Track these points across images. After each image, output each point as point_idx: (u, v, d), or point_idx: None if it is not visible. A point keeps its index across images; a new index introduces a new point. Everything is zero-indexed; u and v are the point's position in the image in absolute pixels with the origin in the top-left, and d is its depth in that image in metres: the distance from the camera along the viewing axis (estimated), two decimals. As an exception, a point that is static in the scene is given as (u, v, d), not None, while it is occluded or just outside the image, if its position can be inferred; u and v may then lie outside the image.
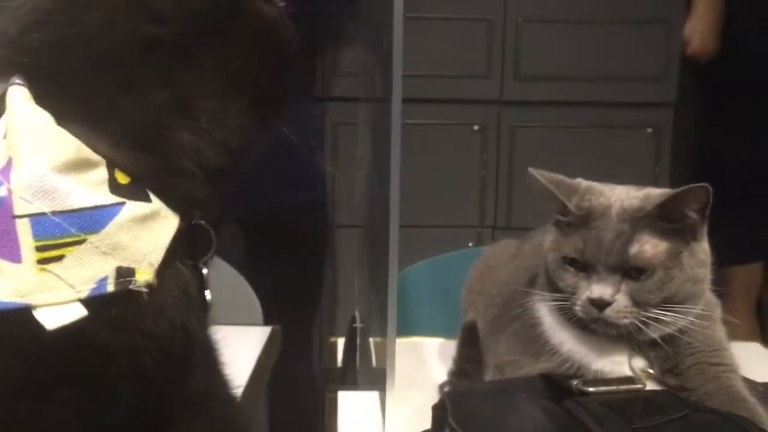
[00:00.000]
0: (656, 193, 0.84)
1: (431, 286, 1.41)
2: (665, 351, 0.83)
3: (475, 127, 2.21)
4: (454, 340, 1.19)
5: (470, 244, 2.23)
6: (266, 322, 1.34)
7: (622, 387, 0.78)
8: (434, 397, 1.07)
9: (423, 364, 1.16)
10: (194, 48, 0.58)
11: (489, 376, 0.97)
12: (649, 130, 2.22)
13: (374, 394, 1.11)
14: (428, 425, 0.82)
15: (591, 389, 0.77)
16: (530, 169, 0.89)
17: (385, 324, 0.83)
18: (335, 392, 1.11)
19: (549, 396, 0.78)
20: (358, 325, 1.15)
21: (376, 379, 1.13)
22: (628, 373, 0.83)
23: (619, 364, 0.84)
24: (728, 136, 2.15)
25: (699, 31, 2.13)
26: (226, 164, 0.60)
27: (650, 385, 0.81)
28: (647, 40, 2.19)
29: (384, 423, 0.75)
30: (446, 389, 1.06)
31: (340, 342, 1.27)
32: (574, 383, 0.78)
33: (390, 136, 0.68)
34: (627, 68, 2.19)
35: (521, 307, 0.92)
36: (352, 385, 1.13)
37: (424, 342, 1.22)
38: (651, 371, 0.84)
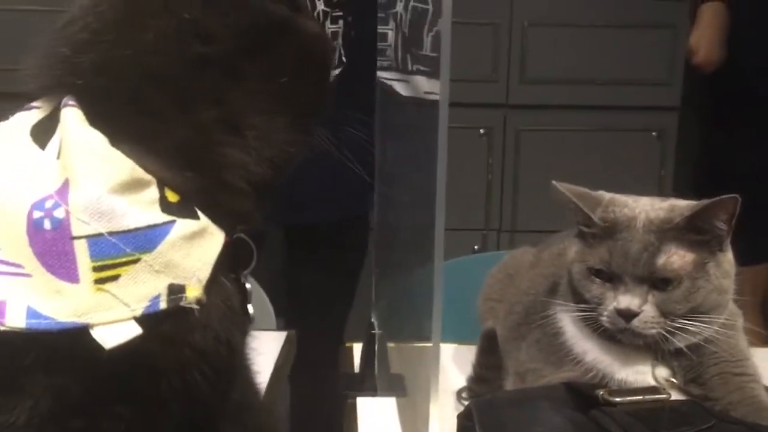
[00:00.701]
0: (683, 204, 0.85)
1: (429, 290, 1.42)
2: (689, 361, 0.84)
3: (481, 131, 2.22)
4: (467, 346, 1.20)
5: (476, 247, 2.24)
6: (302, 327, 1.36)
7: (648, 397, 0.79)
8: (451, 403, 1.08)
9: (426, 369, 1.16)
10: (241, 65, 0.59)
11: (510, 383, 0.98)
12: (654, 133, 2.24)
13: (392, 400, 1.12)
14: (447, 428, 0.82)
15: (617, 399, 0.78)
16: (553, 182, 0.90)
17: (418, 329, 0.83)
18: (354, 398, 1.12)
19: (574, 406, 0.79)
20: (376, 332, 1.16)
21: (394, 385, 1.14)
22: (652, 382, 0.84)
23: (642, 373, 0.85)
24: (732, 139, 2.16)
25: (704, 41, 2.14)
26: (271, 178, 0.61)
27: (674, 395, 0.82)
28: (652, 44, 2.20)
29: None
30: (464, 395, 1.07)
31: (356, 347, 1.28)
32: (600, 393, 0.79)
33: (437, 139, 0.68)
34: (632, 72, 2.20)
35: (543, 316, 0.92)
36: (371, 390, 1.13)
37: (429, 348, 1.22)
38: (674, 381, 0.85)
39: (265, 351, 1.20)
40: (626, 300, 0.82)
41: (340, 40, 1.47)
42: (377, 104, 1.25)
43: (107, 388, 0.53)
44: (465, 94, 2.18)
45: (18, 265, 0.53)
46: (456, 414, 0.97)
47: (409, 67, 0.99)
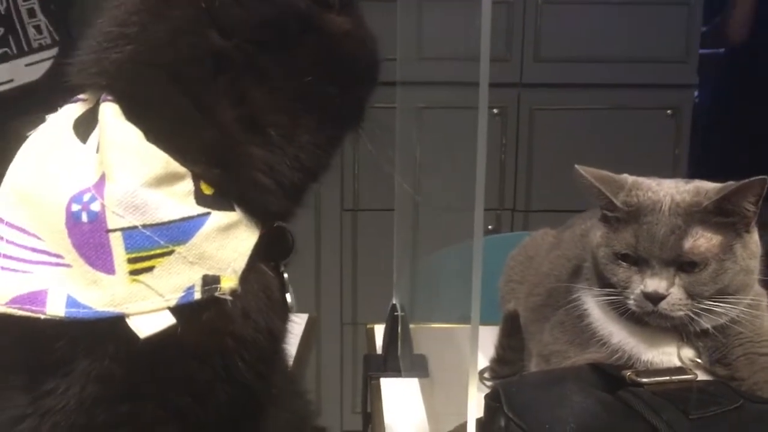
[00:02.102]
0: (709, 186, 0.85)
1: (459, 271, 1.42)
2: (714, 341, 0.85)
3: (495, 111, 2.21)
4: (487, 326, 1.20)
5: (489, 227, 2.24)
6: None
7: (675, 377, 0.80)
8: (474, 382, 1.09)
9: (458, 350, 1.17)
10: (263, 64, 0.58)
11: (533, 365, 0.98)
12: (669, 111, 2.22)
13: (415, 381, 1.13)
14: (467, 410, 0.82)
15: (644, 380, 0.78)
16: (576, 166, 0.89)
17: (447, 310, 0.84)
18: (378, 379, 1.13)
19: (602, 387, 0.80)
20: (399, 313, 1.16)
21: (417, 366, 1.15)
22: (677, 363, 0.85)
23: (668, 354, 0.85)
24: (749, 117, 2.15)
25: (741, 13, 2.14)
26: (300, 179, 0.60)
27: (699, 376, 0.83)
28: (667, 20, 2.18)
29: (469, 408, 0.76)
30: (486, 375, 1.08)
31: (378, 328, 1.29)
32: (627, 374, 0.79)
33: (477, 121, 0.68)
34: (647, 49, 2.18)
35: (567, 299, 0.93)
36: (394, 371, 1.14)
37: (457, 329, 1.23)
38: (700, 361, 0.85)
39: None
40: (653, 283, 0.82)
41: None
42: (398, 87, 1.24)
43: (151, 374, 0.54)
44: (478, 74, 2.17)
45: (59, 255, 0.54)
46: (478, 393, 0.99)
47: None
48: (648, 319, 0.84)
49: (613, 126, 2.21)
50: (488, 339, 1.10)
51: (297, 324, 1.29)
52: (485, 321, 1.21)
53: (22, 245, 0.55)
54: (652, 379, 0.78)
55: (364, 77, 0.65)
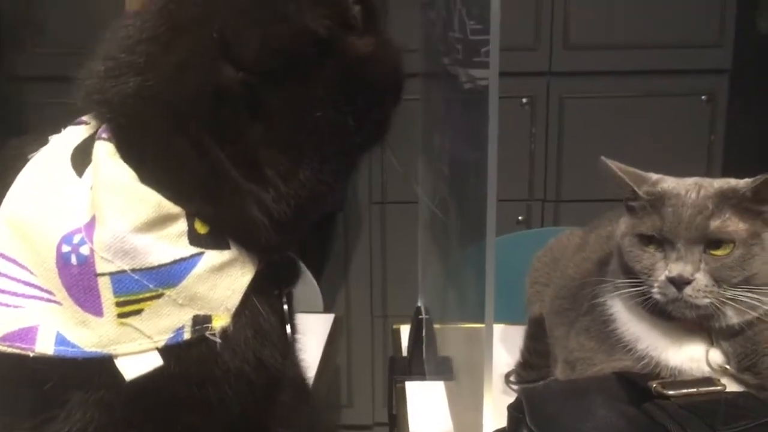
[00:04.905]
0: (739, 180, 0.84)
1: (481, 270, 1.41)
2: (744, 348, 0.83)
3: (524, 100, 2.18)
4: (514, 326, 1.19)
5: (520, 218, 2.22)
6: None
7: (702, 389, 0.78)
8: (499, 386, 1.08)
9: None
10: (267, 98, 0.56)
11: (559, 371, 0.97)
12: (704, 97, 2.17)
13: (440, 384, 1.13)
14: (493, 412, 0.81)
15: (671, 392, 0.77)
16: (602, 158, 0.89)
17: (468, 310, 0.82)
18: (403, 382, 1.13)
19: (627, 399, 0.78)
20: (423, 316, 1.16)
21: (442, 369, 1.14)
22: (706, 369, 0.83)
23: (696, 361, 0.84)
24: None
25: None
26: (300, 214, 0.59)
27: (727, 383, 0.81)
28: (700, 3, 2.12)
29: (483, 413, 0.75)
30: (512, 378, 1.07)
31: (404, 328, 1.28)
32: (653, 385, 0.78)
33: (488, 112, 0.65)
34: (680, 34, 2.13)
35: (592, 304, 0.91)
36: (419, 374, 1.14)
37: (480, 330, 1.22)
38: (728, 367, 0.84)
39: (314, 334, 1.23)
40: (678, 267, 0.80)
41: None
42: (421, 88, 1.23)
43: (148, 402, 0.55)
44: (506, 63, 2.13)
45: (50, 292, 0.55)
46: (503, 396, 0.98)
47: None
48: (672, 308, 0.82)
49: (646, 114, 2.16)
50: (516, 339, 1.08)
51: (322, 323, 1.31)
52: (514, 320, 1.21)
53: (15, 278, 0.55)
54: (679, 391, 0.77)
55: (388, 98, 0.62)
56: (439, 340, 1.15)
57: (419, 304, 1.21)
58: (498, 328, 1.25)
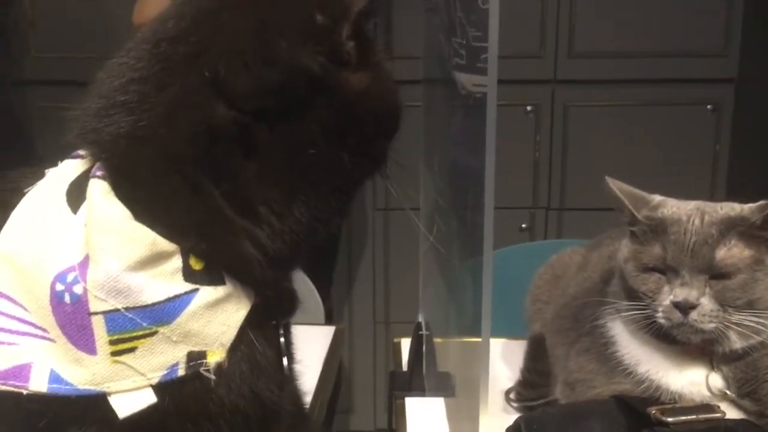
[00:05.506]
0: (743, 205, 0.83)
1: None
2: (744, 374, 0.82)
3: (528, 108, 2.17)
4: (516, 340, 1.19)
5: (523, 226, 2.22)
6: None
7: (701, 416, 0.78)
8: (499, 403, 1.08)
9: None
10: (260, 136, 0.56)
11: (558, 392, 0.97)
12: (709, 107, 2.16)
13: (440, 401, 1.12)
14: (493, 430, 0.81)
15: (670, 419, 0.76)
16: (606, 178, 0.89)
17: (467, 324, 0.82)
18: (402, 398, 1.12)
19: (626, 425, 0.78)
20: (424, 332, 1.16)
21: (443, 385, 1.14)
22: (706, 394, 0.83)
23: (696, 385, 0.83)
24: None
25: None
26: (295, 248, 0.58)
27: (727, 409, 0.81)
28: (706, 13, 2.11)
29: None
30: (512, 396, 1.07)
31: (404, 342, 1.28)
32: (652, 412, 0.78)
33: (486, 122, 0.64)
34: (685, 43, 2.12)
35: (593, 326, 0.91)
36: (419, 390, 1.13)
37: (478, 344, 1.22)
38: (728, 393, 0.83)
39: (315, 346, 1.23)
40: (684, 291, 0.80)
41: None
42: (423, 96, 1.22)
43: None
44: (511, 71, 2.14)
45: (44, 329, 0.55)
46: (503, 414, 0.97)
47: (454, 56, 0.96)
48: (677, 333, 0.82)
49: (650, 123, 2.15)
50: (517, 353, 1.08)
51: (323, 335, 1.31)
52: (515, 335, 1.20)
53: (9, 315, 0.55)
54: (678, 418, 0.77)
55: (384, 132, 0.62)
56: (439, 356, 1.15)
57: (420, 319, 1.20)
58: (499, 343, 1.25)
